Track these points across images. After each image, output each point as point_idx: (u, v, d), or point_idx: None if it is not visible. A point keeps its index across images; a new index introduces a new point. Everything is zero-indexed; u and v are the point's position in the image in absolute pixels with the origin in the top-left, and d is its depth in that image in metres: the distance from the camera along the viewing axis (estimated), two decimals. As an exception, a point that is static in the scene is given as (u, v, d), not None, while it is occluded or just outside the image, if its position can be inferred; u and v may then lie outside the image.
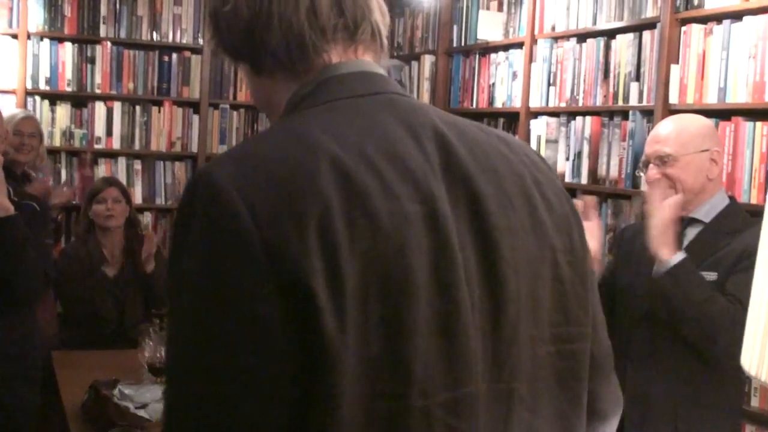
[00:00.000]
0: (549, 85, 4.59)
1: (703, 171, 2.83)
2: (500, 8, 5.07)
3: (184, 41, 6.25)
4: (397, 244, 1.03)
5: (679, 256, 2.67)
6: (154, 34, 6.18)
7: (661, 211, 2.73)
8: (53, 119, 5.97)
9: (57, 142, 5.97)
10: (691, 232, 2.85)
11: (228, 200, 0.99)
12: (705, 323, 2.61)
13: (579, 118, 4.35)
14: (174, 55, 6.23)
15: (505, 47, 5.01)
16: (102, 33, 6.06)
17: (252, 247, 0.97)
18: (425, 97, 5.81)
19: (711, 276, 2.70)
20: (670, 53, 3.72)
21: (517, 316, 1.13)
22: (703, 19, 3.62)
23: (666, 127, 2.90)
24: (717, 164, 2.85)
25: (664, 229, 2.71)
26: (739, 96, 3.40)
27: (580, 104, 4.35)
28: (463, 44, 5.45)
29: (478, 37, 5.10)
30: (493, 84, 5.11)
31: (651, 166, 2.86)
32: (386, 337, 1.01)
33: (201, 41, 6.22)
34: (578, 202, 2.93)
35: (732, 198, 2.92)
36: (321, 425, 0.98)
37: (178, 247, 1.03)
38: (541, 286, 1.18)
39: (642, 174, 3.10)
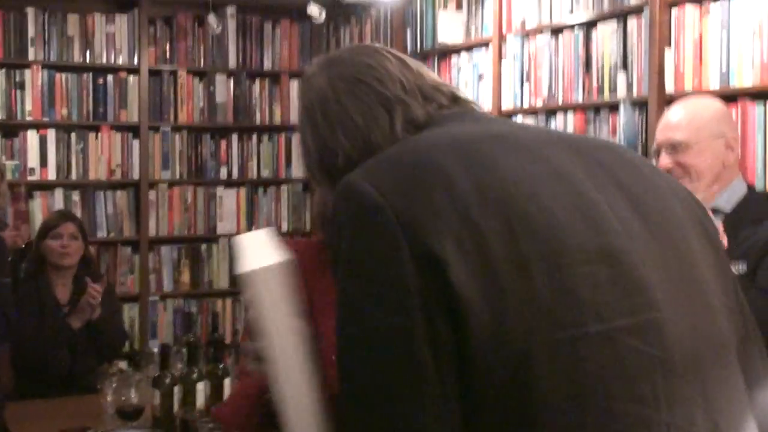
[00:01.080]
0: (522, 83, 4.40)
1: (718, 158, 2.69)
2: (459, 8, 4.86)
3: (119, 62, 5.89)
4: (528, 190, 1.12)
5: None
6: (87, 55, 5.82)
7: None
8: (-19, 151, 5.56)
9: (-16, 175, 5.55)
10: (713, 223, 2.68)
11: (361, 193, 1.11)
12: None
13: (560, 116, 4.17)
14: (109, 77, 5.86)
15: (468, 48, 4.82)
16: (31, 56, 5.67)
17: (388, 224, 1.07)
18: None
19: (741, 268, 2.53)
20: (662, 38, 3.56)
21: (682, 256, 1.20)
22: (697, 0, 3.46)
23: (677, 112, 2.76)
24: (733, 150, 2.71)
25: None
26: (745, 79, 3.25)
27: (560, 101, 4.18)
28: (419, 49, 5.24)
29: (439, 40, 4.88)
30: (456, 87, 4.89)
31: (663, 154, 2.72)
32: (548, 271, 1.07)
33: (137, 61, 5.89)
34: None
35: (749, 185, 2.77)
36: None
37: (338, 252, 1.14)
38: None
39: (654, 163, 2.93)
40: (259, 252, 1.22)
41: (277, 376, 1.22)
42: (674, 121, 2.73)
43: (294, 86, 6.30)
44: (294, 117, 6.29)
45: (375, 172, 1.15)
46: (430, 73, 1.40)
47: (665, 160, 2.70)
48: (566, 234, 1.10)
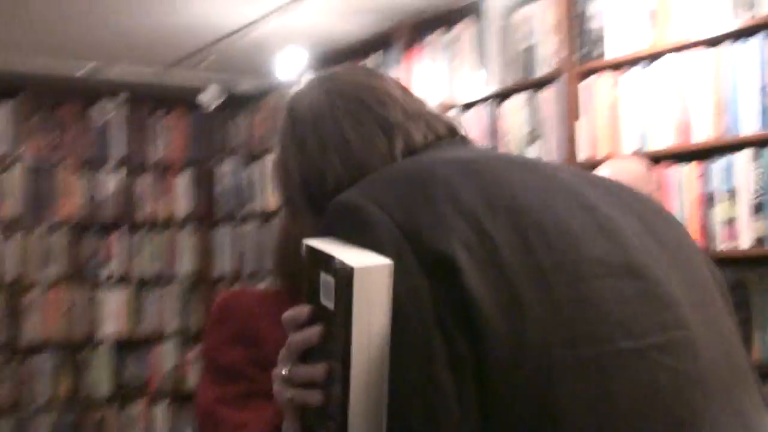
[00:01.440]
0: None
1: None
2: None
3: (-3, 153, 5.65)
4: (540, 201, 1.04)
5: None
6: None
7: None
8: None
9: None
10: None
11: (356, 207, 1.02)
12: None
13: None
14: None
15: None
16: None
17: (389, 234, 0.98)
18: (273, 198, 5.45)
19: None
20: (573, 108, 3.56)
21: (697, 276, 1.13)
22: (607, 68, 3.48)
23: (604, 172, 2.77)
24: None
25: None
26: (662, 140, 3.25)
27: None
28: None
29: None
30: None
31: None
32: (567, 282, 0.97)
33: (17, 151, 5.61)
34: None
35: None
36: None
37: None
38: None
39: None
40: (352, 251, 1.01)
41: (350, 405, 0.98)
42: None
43: (182, 179, 6.10)
44: (182, 210, 6.08)
45: (370, 187, 1.05)
46: (429, 104, 1.32)
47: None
48: (585, 245, 1.01)
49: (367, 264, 0.94)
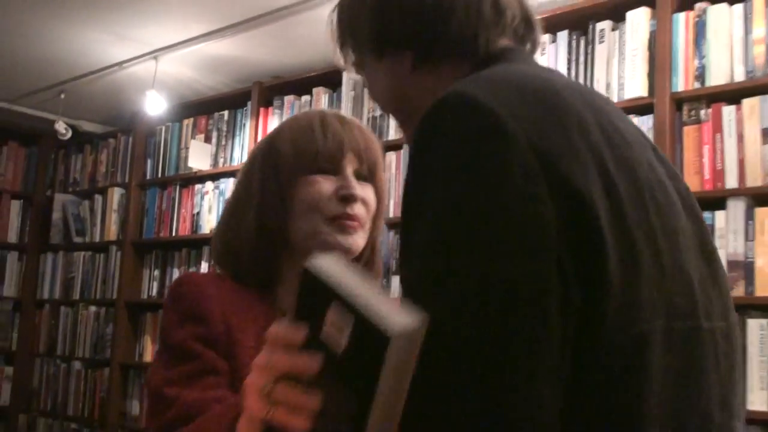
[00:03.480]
0: (273, 207, 4.09)
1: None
2: (208, 140, 4.52)
3: None
4: (639, 157, 0.86)
5: None
6: None
7: None
8: None
9: None
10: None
11: (490, 110, 0.77)
12: None
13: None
14: None
15: (214, 177, 4.42)
16: None
17: (521, 151, 0.75)
18: (113, 229, 4.98)
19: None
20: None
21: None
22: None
23: None
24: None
25: None
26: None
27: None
28: (158, 176, 4.77)
29: (189, 165, 4.46)
30: (198, 212, 4.47)
31: None
32: (670, 250, 0.82)
33: None
34: None
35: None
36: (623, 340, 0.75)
37: (428, 169, 0.78)
38: None
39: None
40: (373, 292, 0.73)
41: None
42: None
43: (14, 207, 5.46)
44: (12, 237, 5.43)
45: (498, 91, 0.80)
46: None
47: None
48: (676, 214, 0.86)
49: (405, 327, 0.68)
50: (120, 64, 4.08)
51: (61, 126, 4.63)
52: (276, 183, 1.29)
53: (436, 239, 0.75)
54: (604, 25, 2.99)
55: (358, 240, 1.29)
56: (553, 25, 3.14)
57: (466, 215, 0.74)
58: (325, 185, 1.28)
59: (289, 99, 4.09)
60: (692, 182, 2.70)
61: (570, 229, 0.73)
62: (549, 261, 0.72)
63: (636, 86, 2.87)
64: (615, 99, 2.92)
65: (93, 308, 5.02)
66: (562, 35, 3.12)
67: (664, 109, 2.77)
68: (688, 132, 2.76)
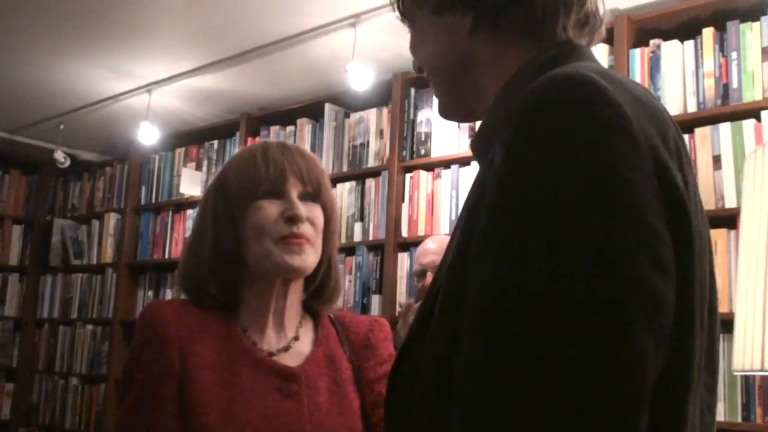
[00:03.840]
0: (261, 231, 4.17)
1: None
2: (199, 168, 4.61)
3: None
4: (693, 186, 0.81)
5: None
6: None
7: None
8: None
9: None
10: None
11: (622, 109, 0.71)
12: None
13: (298, 258, 3.97)
14: None
15: (206, 202, 4.52)
16: None
17: (642, 149, 0.71)
18: (109, 252, 5.06)
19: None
20: (398, 195, 3.57)
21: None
22: (430, 166, 3.53)
23: (433, 243, 2.81)
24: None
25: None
26: (471, 226, 3.31)
27: (297, 246, 3.98)
28: (153, 202, 4.86)
29: (181, 191, 4.55)
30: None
31: (428, 274, 2.70)
32: (700, 250, 0.78)
33: None
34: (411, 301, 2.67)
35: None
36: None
37: (548, 159, 0.70)
38: None
39: (420, 283, 2.87)
40: None
41: None
42: (435, 248, 2.75)
43: (16, 231, 5.53)
44: (13, 260, 5.50)
45: (618, 90, 0.74)
46: None
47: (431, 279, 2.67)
48: (703, 255, 0.82)
49: None
50: (115, 97, 4.17)
51: (60, 155, 4.71)
52: (228, 212, 1.35)
53: (543, 244, 0.68)
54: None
55: (308, 259, 1.34)
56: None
57: (580, 225, 0.68)
58: (271, 209, 1.33)
59: (274, 129, 4.19)
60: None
61: (673, 217, 0.72)
62: (655, 204, 0.71)
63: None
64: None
65: (90, 327, 5.09)
66: (528, 69, 3.22)
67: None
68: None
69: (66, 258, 5.34)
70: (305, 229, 1.34)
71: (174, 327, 1.27)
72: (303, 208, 1.34)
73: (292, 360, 1.36)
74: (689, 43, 2.83)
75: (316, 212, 1.37)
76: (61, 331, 5.28)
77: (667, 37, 2.89)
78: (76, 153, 5.24)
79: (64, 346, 5.23)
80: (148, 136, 4.37)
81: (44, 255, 5.50)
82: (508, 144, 0.73)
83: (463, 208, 0.87)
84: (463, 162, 3.40)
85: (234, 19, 3.23)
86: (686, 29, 2.88)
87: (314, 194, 1.37)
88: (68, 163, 4.78)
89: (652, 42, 2.90)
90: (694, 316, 0.75)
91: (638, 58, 2.91)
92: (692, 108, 2.79)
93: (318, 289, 1.46)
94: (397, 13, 0.99)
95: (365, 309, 3.60)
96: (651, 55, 2.89)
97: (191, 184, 4.53)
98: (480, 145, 0.90)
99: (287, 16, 3.24)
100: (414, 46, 0.98)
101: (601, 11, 0.94)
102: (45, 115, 4.57)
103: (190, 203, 4.59)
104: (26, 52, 3.64)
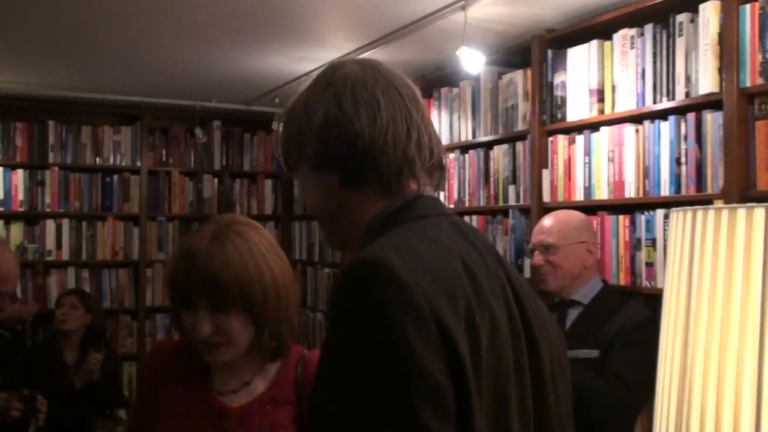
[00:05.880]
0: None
1: (580, 259, 2.69)
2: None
3: (123, 164, 5.88)
4: (504, 337, 1.01)
5: None
6: (97, 159, 5.82)
7: None
8: (8, 236, 5.50)
9: (11, 256, 5.49)
10: (573, 313, 2.68)
11: (407, 285, 0.92)
12: (582, 401, 2.41)
13: (466, 217, 4.15)
14: (115, 177, 5.85)
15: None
16: (50, 159, 5.67)
17: (428, 319, 0.92)
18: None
19: (593, 353, 2.51)
20: (540, 160, 3.58)
21: (556, 413, 1.11)
22: (566, 130, 3.48)
23: (549, 220, 2.77)
24: (592, 254, 2.72)
25: None
26: (602, 194, 3.25)
27: (467, 205, 4.16)
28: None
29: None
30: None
31: (536, 253, 2.73)
32: (495, 415, 0.97)
33: (138, 163, 5.88)
34: None
35: (605, 281, 2.76)
36: None
37: (353, 330, 0.93)
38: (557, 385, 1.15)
39: (529, 259, 2.93)
40: None
41: None
42: (547, 226, 2.73)
43: (268, 185, 6.31)
44: (268, 210, 6.28)
45: (412, 265, 0.96)
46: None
47: (538, 258, 2.71)
48: (510, 387, 1.03)
49: None
50: (302, 76, 4.60)
51: (198, 132, 5.32)
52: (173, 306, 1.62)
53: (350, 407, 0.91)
54: (683, 17, 2.87)
55: (225, 356, 1.57)
56: (638, 19, 3.06)
57: (371, 391, 0.90)
58: (188, 321, 1.54)
59: (444, 90, 4.34)
60: (764, 179, 2.58)
61: (453, 377, 0.92)
62: (448, 421, 0.91)
63: (707, 82, 2.74)
64: (692, 94, 2.82)
65: (326, 270, 5.71)
66: (648, 28, 3.02)
67: (733, 104, 2.64)
68: (760, 127, 2.61)
69: (305, 207, 5.99)
70: (216, 338, 1.54)
71: (158, 369, 1.66)
72: (208, 325, 1.51)
73: (238, 400, 1.64)
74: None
75: (226, 322, 1.52)
76: (309, 271, 5.97)
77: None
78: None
79: (313, 284, 5.91)
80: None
81: (291, 204, 6.21)
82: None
83: None
84: (594, 127, 3.30)
85: (382, 1, 3.37)
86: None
87: (224, 306, 1.52)
88: (205, 139, 5.38)
89: (763, -4, 2.59)
90: None
91: (749, 15, 2.62)
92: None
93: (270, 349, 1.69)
94: (285, 167, 1.22)
95: (519, 270, 3.69)
96: (760, 12, 2.58)
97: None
98: None
99: None
100: (301, 193, 1.24)
101: (444, 162, 1.19)
102: (262, 91, 5.14)
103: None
104: (243, 47, 4.14)
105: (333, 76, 1.14)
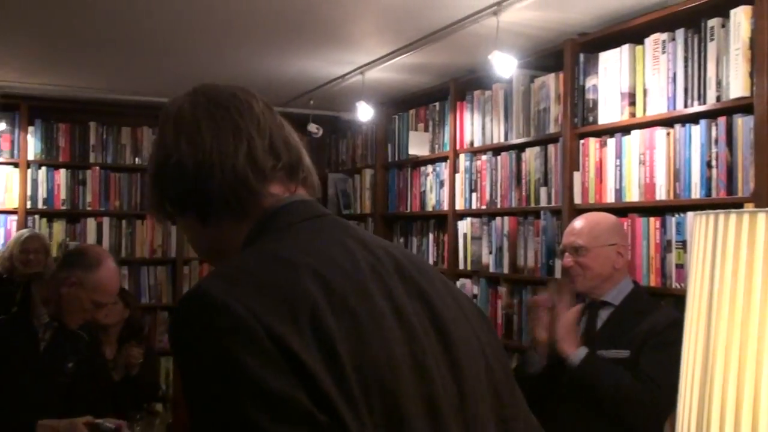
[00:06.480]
0: (471, 191, 4.44)
1: (609, 261, 2.71)
2: (426, 129, 4.95)
3: (162, 164, 6.00)
4: (377, 335, 0.95)
5: (582, 352, 2.55)
6: (136, 159, 5.94)
7: (565, 315, 2.62)
8: (51, 234, 5.65)
9: (54, 253, 5.60)
10: (604, 314, 2.71)
11: (227, 308, 0.89)
12: (618, 401, 2.46)
13: (498, 218, 4.20)
14: (154, 176, 5.98)
15: (433, 161, 4.88)
16: (91, 159, 5.81)
17: (259, 335, 0.88)
18: (367, 204, 5.65)
19: (624, 354, 2.55)
20: (572, 162, 3.61)
21: (475, 398, 1.05)
22: (598, 133, 3.50)
23: (580, 222, 2.79)
24: (622, 256, 2.74)
25: (569, 329, 2.61)
26: (633, 196, 3.27)
27: (499, 206, 4.20)
28: (396, 159, 5.33)
29: (409, 153, 4.96)
30: (424, 191, 4.97)
31: (566, 254, 2.76)
32: (388, 423, 0.92)
33: (177, 164, 5.99)
34: (539, 298, 2.82)
35: (635, 283, 2.79)
36: None
37: (191, 367, 0.91)
38: (481, 371, 1.09)
39: (559, 260, 2.96)
40: None
41: None
42: (577, 228, 2.75)
43: (302, 185, 6.38)
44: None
45: (237, 283, 0.94)
46: (293, 132, 1.20)
47: (568, 260, 2.73)
48: (404, 386, 0.96)
49: None
50: (336, 79, 4.66)
51: (312, 127, 5.34)
52: None
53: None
54: (714, 22, 2.89)
55: None
56: (670, 24, 3.08)
57: (220, 413, 0.87)
58: None
59: (477, 93, 4.38)
60: (795, 182, 2.60)
61: (311, 397, 0.88)
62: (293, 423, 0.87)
63: (738, 86, 2.76)
64: (723, 98, 2.84)
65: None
66: (680, 33, 3.04)
67: (764, 108, 2.66)
68: (791, 131, 2.62)
69: (339, 208, 6.06)
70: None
71: None
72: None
73: None
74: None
75: None
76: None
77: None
78: (339, 114, 5.85)
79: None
80: (364, 113, 4.81)
81: (324, 204, 6.28)
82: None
83: None
84: (625, 130, 3.33)
85: (416, 6, 3.41)
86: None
87: None
88: (320, 133, 5.39)
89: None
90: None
91: (780, 19, 2.64)
92: None
93: None
94: (159, 223, 1.23)
95: (550, 271, 3.73)
96: (791, 16, 2.60)
97: (419, 145, 4.89)
98: None
99: None
100: (185, 236, 1.26)
101: (306, 161, 1.18)
102: (297, 92, 5.22)
103: (423, 161, 4.96)
104: (278, 51, 4.22)
105: (162, 117, 1.15)
